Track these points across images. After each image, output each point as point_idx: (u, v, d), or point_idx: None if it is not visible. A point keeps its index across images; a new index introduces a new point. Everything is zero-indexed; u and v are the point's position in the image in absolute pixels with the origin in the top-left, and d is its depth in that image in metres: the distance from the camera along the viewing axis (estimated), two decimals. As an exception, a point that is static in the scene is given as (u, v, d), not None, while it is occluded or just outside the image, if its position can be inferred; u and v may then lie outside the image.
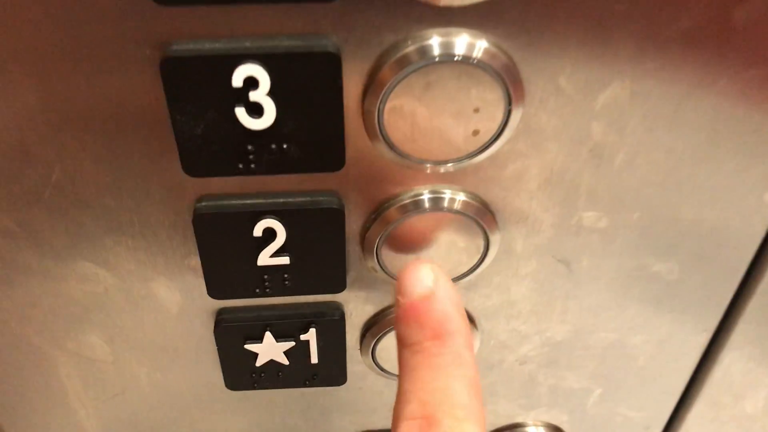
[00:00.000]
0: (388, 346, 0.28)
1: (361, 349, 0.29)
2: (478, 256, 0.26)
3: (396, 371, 0.29)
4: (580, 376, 0.31)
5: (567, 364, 0.31)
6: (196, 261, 0.25)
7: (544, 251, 0.26)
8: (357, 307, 0.28)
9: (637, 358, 0.31)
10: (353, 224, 0.25)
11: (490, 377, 0.31)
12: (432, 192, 0.24)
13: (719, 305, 0.29)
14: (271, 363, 0.28)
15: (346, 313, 0.28)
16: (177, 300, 0.27)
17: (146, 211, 0.24)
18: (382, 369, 0.29)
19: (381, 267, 0.25)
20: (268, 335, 0.27)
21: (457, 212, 0.24)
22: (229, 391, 0.30)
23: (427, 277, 0.22)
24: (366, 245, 0.25)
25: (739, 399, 0.33)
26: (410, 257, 0.25)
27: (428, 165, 0.23)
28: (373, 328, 0.28)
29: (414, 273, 0.22)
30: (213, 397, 0.30)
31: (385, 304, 0.28)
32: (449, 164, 0.23)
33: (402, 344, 0.22)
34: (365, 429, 0.33)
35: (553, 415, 0.33)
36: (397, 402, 0.21)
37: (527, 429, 0.34)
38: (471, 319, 0.28)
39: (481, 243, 0.25)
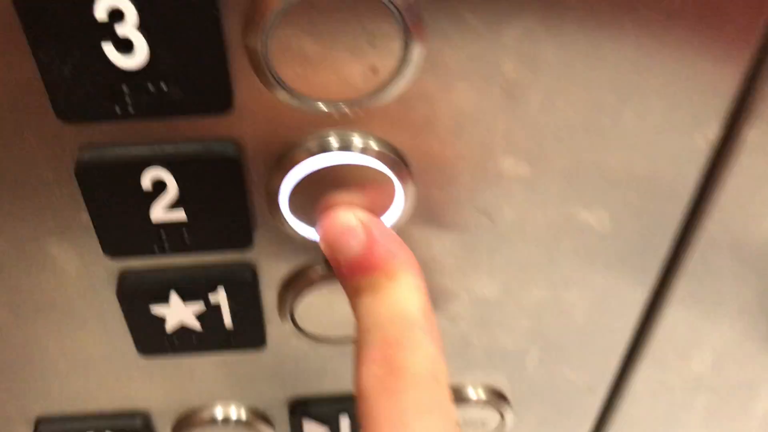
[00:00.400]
0: (307, 308, 0.27)
1: (279, 310, 0.27)
2: (393, 207, 0.24)
3: (318, 333, 0.27)
4: (515, 336, 0.30)
5: (500, 323, 0.29)
6: (87, 218, 0.23)
7: (463, 202, 0.24)
8: (270, 265, 0.26)
9: (574, 315, 0.29)
10: (255, 175, 0.23)
11: (420, 339, 0.29)
12: (338, 138, 0.22)
13: (656, 258, 0.27)
14: (183, 327, 0.27)
15: (259, 272, 0.26)
16: (74, 261, 0.25)
17: (26, 165, 0.22)
18: (303, 331, 0.28)
19: (287, 221, 0.24)
20: (174, 297, 0.26)
21: (366, 160, 0.22)
22: (145, 358, 0.29)
23: (357, 227, 0.22)
24: (269, 197, 0.23)
25: (685, 357, 0.32)
26: (318, 210, 0.24)
27: (327, 106, 0.21)
28: (290, 288, 0.26)
29: (341, 228, 0.22)
30: (128, 364, 0.29)
31: (301, 261, 0.26)
32: (350, 106, 0.21)
33: (353, 293, 0.22)
34: (294, 395, 0.32)
35: (492, 377, 0.32)
36: (359, 337, 0.21)
37: (467, 390, 0.32)
38: (395, 278, 0.27)
39: (395, 193, 0.23)
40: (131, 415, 0.31)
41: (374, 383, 0.20)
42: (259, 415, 0.32)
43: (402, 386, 0.20)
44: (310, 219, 0.24)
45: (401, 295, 0.21)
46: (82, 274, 0.25)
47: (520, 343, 0.30)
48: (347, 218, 0.23)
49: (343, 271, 0.22)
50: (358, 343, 0.22)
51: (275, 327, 0.28)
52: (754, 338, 0.31)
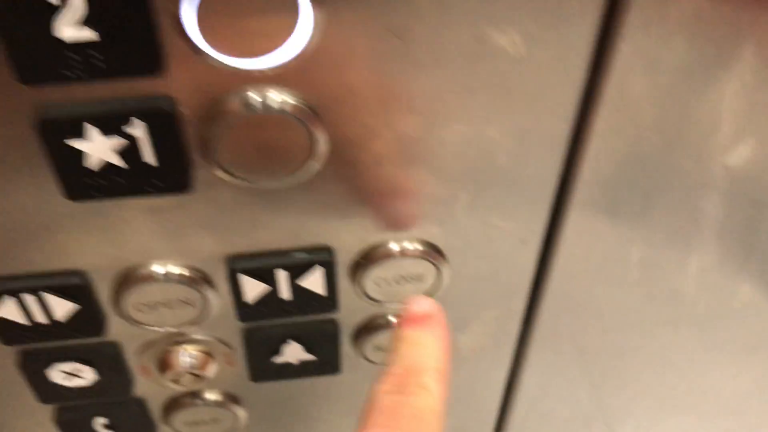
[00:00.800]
0: (231, 145, 0.27)
1: (201, 150, 0.27)
2: (299, 28, 0.24)
3: (243, 174, 0.28)
4: (441, 179, 0.30)
5: (425, 165, 0.30)
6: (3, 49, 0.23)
7: (375, 21, 0.25)
8: (190, 98, 0.26)
9: (497, 154, 0.30)
10: (161, -7, 0.23)
11: (347, 182, 0.30)
12: (240, -51, 0.22)
13: (574, 86, 0.28)
14: (107, 166, 0.27)
15: (178, 105, 0.26)
16: (-10, 94, 0.25)
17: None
18: (230, 173, 0.28)
19: (195, 41, 0.24)
20: (91, 129, 0.26)
21: (271, -26, 0.23)
22: (75, 207, 0.29)
23: (431, 301, 0.32)
24: (174, 16, 0.23)
25: (613, 204, 0.33)
26: (230, 29, 0.24)
27: None
28: (212, 123, 0.26)
29: (422, 298, 0.32)
30: (59, 213, 0.29)
31: (221, 94, 0.26)
32: None
33: (399, 338, 0.30)
34: (233, 251, 0.32)
35: (424, 228, 0.32)
36: (390, 360, 0.29)
37: (402, 243, 0.33)
38: (314, 115, 0.27)
39: (302, 12, 0.24)
40: (70, 273, 0.32)
41: (384, 394, 0.28)
42: (197, 272, 0.32)
43: (403, 404, 0.27)
44: (220, 44, 0.24)
45: (431, 352, 0.29)
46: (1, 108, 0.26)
47: (448, 187, 0.31)
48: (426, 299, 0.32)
49: (405, 319, 0.31)
50: (388, 366, 0.29)
51: (203, 172, 0.29)
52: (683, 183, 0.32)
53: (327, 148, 0.28)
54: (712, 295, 0.39)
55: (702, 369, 0.44)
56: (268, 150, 0.27)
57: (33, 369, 0.36)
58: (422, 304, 0.31)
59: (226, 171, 0.28)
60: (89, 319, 0.33)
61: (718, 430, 0.50)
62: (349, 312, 0.36)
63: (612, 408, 0.46)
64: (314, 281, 0.33)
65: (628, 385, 0.45)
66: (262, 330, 0.36)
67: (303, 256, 0.32)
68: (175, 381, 0.37)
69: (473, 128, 0.28)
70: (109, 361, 0.36)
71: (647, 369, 0.43)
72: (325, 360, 0.38)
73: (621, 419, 0.47)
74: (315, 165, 0.28)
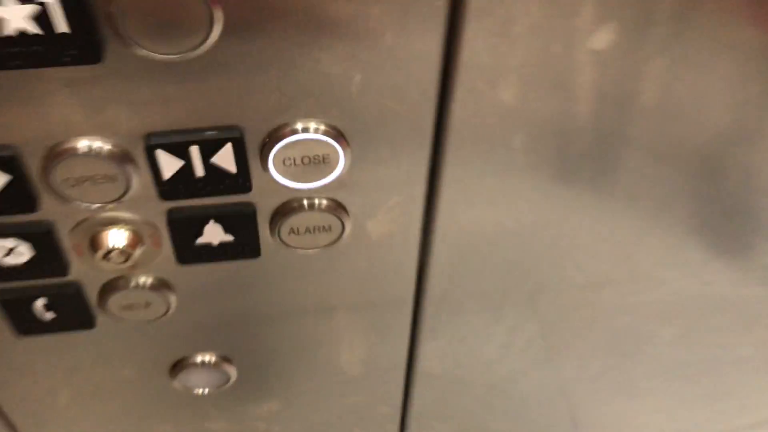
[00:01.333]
0: (135, 15, 0.30)
1: (108, 19, 0.31)
2: None
3: (151, 47, 0.31)
4: (333, 58, 0.34)
5: (317, 43, 0.33)
6: None
7: None
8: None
9: (383, 32, 0.33)
10: None
11: (248, 59, 0.33)
12: None
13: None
14: (23, 34, 0.30)
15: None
16: None
17: None
18: (136, 43, 0.31)
19: None
20: (7, -4, 0.29)
21: None
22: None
23: None
24: None
25: (495, 85, 0.36)
26: None
27: None
28: (116, -5, 0.30)
29: None
30: (-15, 84, 0.32)
31: (122, -33, 0.29)
32: None
33: None
34: (150, 128, 0.35)
35: (323, 107, 0.36)
36: None
37: (309, 125, 0.36)
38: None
39: None
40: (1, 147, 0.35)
41: None
42: (118, 148, 0.36)
43: None
44: None
45: None
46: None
47: (340, 65, 0.34)
48: None
49: None
50: None
51: (115, 44, 0.32)
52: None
53: (220, 21, 0.31)
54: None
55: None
56: (165, 18, 0.31)
57: (-26, 247, 0.39)
58: None
59: (131, 40, 0.31)
60: (22, 193, 0.37)
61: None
62: (264, 195, 0.40)
63: (524, 287, 0.50)
64: (225, 158, 0.37)
65: (541, 261, 0.48)
66: (183, 210, 0.40)
67: (213, 133, 0.36)
68: (106, 258, 0.40)
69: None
70: (45, 238, 0.40)
71: (558, 248, 0.47)
72: (244, 242, 0.42)
73: (536, 295, 0.51)
74: (210, 37, 0.31)
